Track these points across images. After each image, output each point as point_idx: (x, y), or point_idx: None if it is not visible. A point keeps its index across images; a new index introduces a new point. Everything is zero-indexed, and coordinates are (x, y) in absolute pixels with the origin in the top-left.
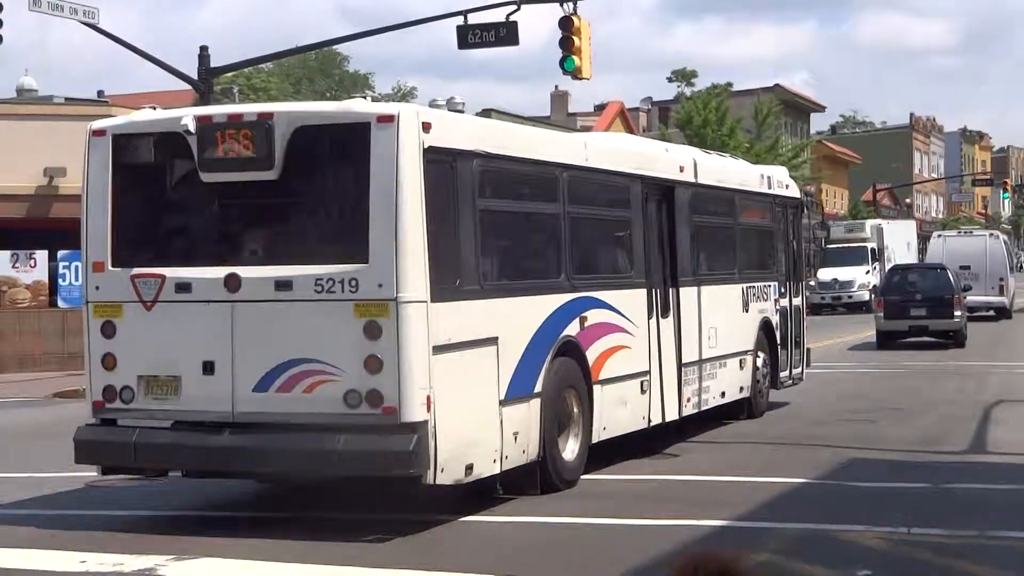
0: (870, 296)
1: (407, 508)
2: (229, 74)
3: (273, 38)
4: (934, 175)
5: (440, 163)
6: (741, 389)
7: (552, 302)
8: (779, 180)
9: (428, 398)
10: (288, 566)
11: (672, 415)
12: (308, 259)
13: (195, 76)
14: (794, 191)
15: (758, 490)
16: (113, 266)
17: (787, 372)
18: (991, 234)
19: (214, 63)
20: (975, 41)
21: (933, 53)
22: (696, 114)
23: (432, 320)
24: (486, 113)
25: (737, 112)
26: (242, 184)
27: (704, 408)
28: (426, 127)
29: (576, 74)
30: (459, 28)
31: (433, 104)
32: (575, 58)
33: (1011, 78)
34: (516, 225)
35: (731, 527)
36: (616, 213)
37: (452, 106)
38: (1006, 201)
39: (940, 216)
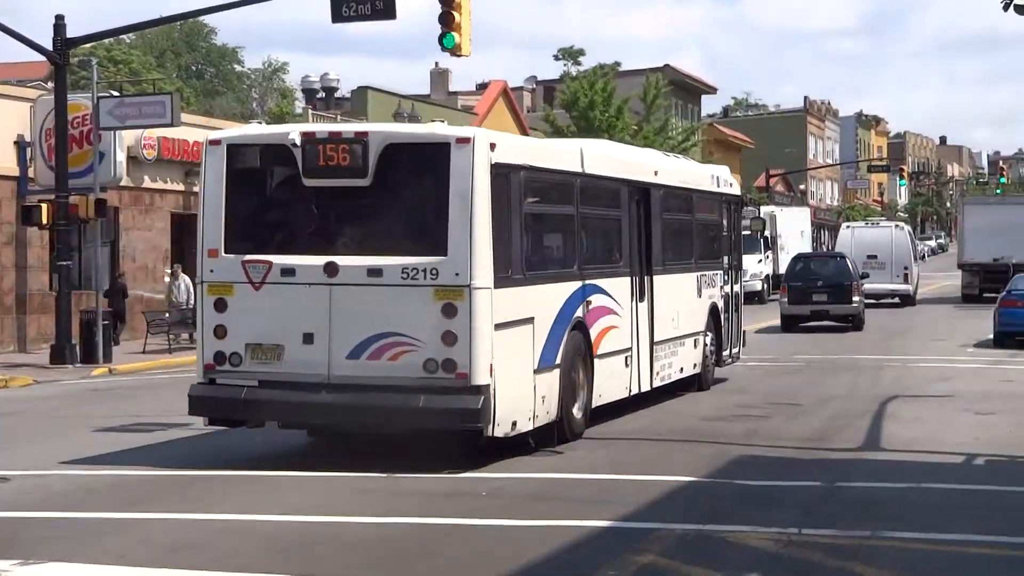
0: (762, 286)
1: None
2: (87, 45)
3: (136, 8)
4: (829, 161)
5: (500, 176)
6: (695, 366)
7: (568, 288)
8: (724, 179)
9: (491, 366)
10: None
11: (646, 387)
12: (396, 251)
13: (50, 47)
14: (736, 189)
15: (645, 489)
16: (226, 252)
17: (728, 351)
18: (897, 225)
19: (71, 33)
20: (875, 23)
21: (831, 35)
22: (582, 95)
23: (494, 303)
24: (362, 91)
25: (625, 92)
26: (339, 189)
27: (668, 381)
28: (492, 147)
29: (456, 51)
30: (333, 0)
31: (305, 81)
32: (455, 34)
33: (910, 62)
34: (546, 224)
35: (615, 528)
36: (611, 213)
37: (326, 83)
38: (902, 188)
39: (835, 203)
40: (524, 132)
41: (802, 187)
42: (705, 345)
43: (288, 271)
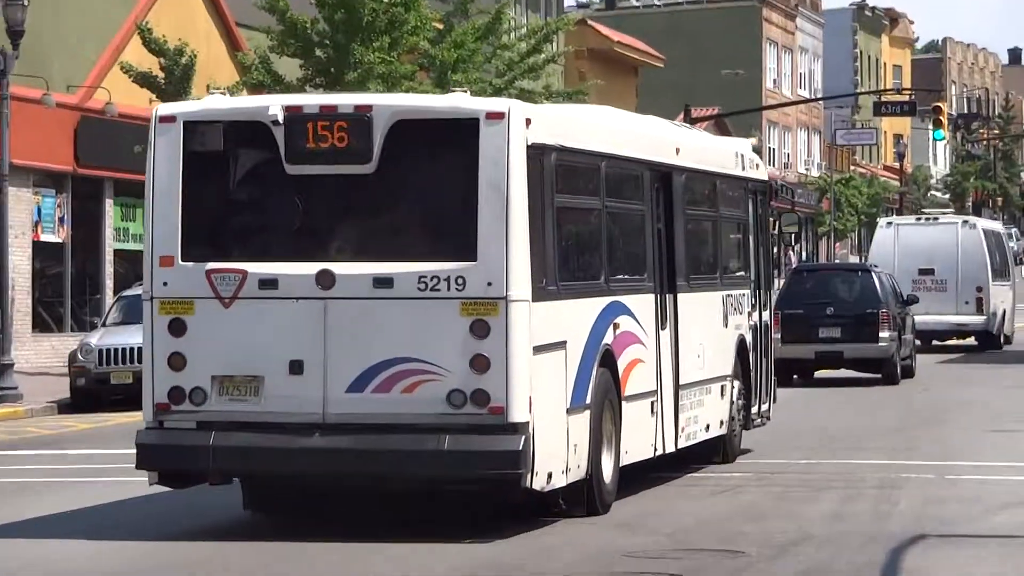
0: None
1: None
2: None
3: None
4: (803, 92)
5: (534, 160)
6: (721, 423)
7: (597, 306)
8: (749, 158)
9: (530, 399)
10: None
11: (671, 445)
12: (409, 256)
13: None
14: (763, 172)
15: None
16: (184, 260)
17: (756, 407)
18: (965, 222)
19: None
20: None
21: None
22: None
23: (532, 320)
24: None
25: None
26: (333, 177)
27: (693, 441)
28: (527, 123)
29: None
30: None
31: None
32: None
33: None
34: (576, 222)
35: None
36: (635, 207)
37: None
38: (940, 145)
39: (815, 172)
40: (231, 38)
41: (753, 140)
42: (732, 395)
43: (269, 282)
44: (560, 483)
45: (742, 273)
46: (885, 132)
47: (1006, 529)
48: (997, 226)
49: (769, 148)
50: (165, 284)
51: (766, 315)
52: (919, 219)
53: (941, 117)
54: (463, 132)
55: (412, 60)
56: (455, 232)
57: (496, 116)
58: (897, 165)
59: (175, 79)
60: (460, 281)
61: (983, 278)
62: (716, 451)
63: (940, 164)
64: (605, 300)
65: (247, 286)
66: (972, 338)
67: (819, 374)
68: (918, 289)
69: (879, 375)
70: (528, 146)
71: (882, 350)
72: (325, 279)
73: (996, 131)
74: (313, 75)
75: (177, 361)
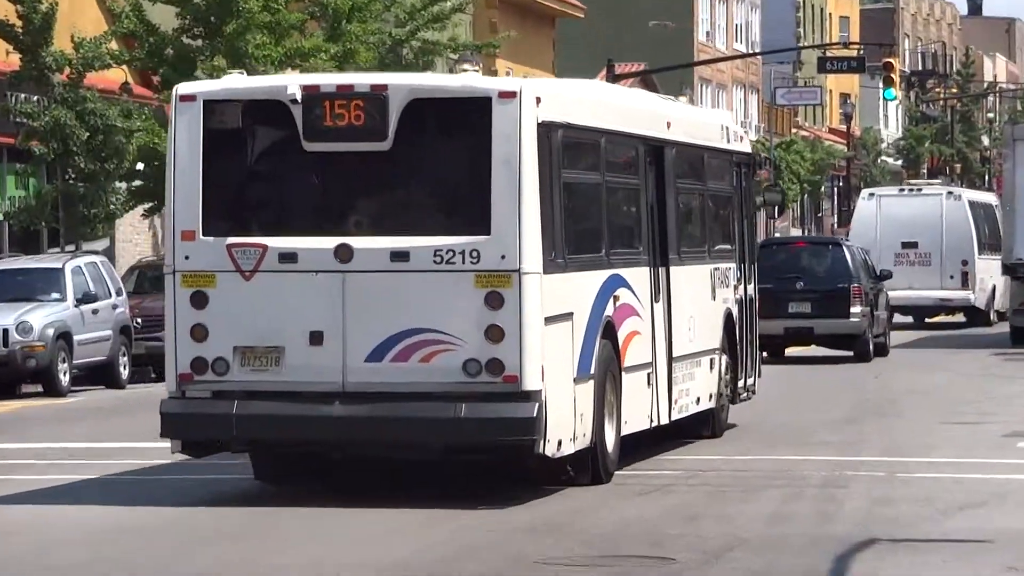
0: None
1: None
2: None
3: None
4: (739, 47)
5: (543, 137)
6: (710, 397)
7: (599, 278)
8: (733, 131)
9: (542, 368)
10: None
11: (665, 418)
12: (425, 230)
13: None
14: (746, 144)
15: None
16: (205, 235)
17: (742, 380)
18: (950, 192)
19: None
20: None
21: None
22: None
23: (543, 291)
24: None
25: None
26: (350, 154)
27: (685, 414)
28: (538, 101)
29: None
30: None
31: None
32: None
33: None
34: (578, 196)
35: None
36: (631, 181)
37: None
38: (891, 106)
39: (752, 135)
40: None
41: (683, 97)
42: (721, 369)
43: (288, 256)
44: (568, 450)
45: (728, 246)
46: (831, 91)
47: (961, 533)
48: (990, 197)
49: (704, 106)
50: (187, 258)
51: (751, 288)
52: (902, 190)
53: (892, 74)
54: (476, 110)
55: (301, 9)
56: (469, 207)
57: (508, 95)
58: (844, 128)
59: (34, 29)
60: (475, 254)
61: (968, 251)
62: (705, 424)
63: (892, 127)
64: (606, 273)
65: (267, 260)
66: (961, 314)
67: (790, 351)
68: (901, 263)
69: (851, 352)
70: (538, 124)
71: (853, 326)
72: (343, 253)
73: (954, 90)
74: (191, 24)
75: (199, 332)
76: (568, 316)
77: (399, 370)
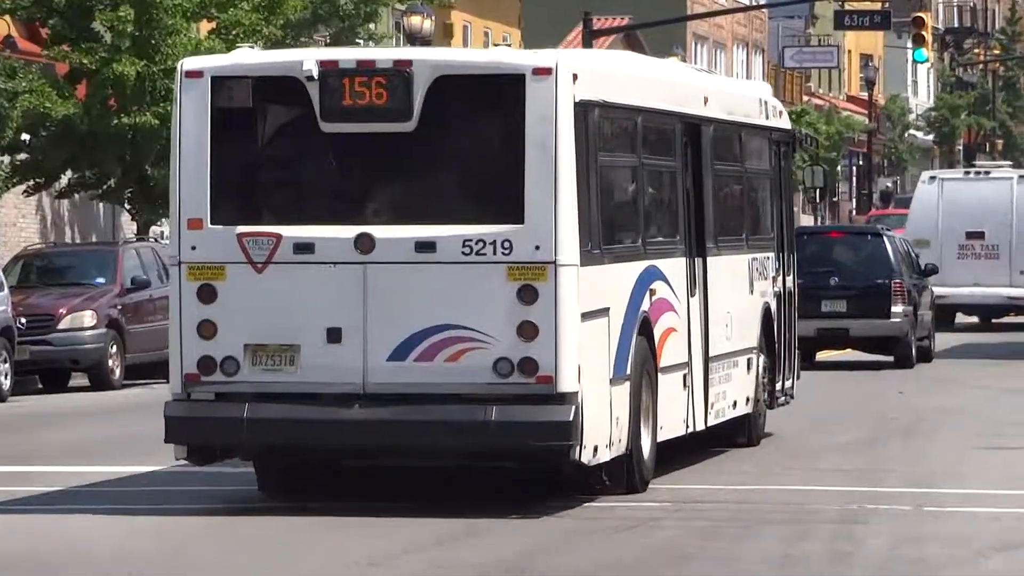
0: None
1: None
2: None
3: None
4: None
5: (579, 117)
6: (747, 401)
7: (635, 271)
8: (773, 105)
9: (579, 368)
10: None
11: (701, 423)
12: (452, 218)
13: None
14: (786, 120)
15: None
16: (213, 223)
17: (780, 383)
18: (1022, 176)
19: None
20: None
21: None
22: None
23: (580, 285)
24: None
25: None
26: (371, 136)
27: (721, 419)
28: (574, 78)
29: None
30: None
31: None
32: None
33: None
34: (615, 181)
35: None
36: (667, 163)
37: None
38: (922, 68)
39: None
40: None
41: (674, 57)
42: (759, 370)
43: (305, 247)
44: (604, 457)
45: (767, 234)
46: (850, 52)
47: None
48: None
49: (699, 66)
50: (194, 248)
51: (790, 281)
52: (967, 173)
53: (923, 32)
54: (508, 88)
55: None
56: (501, 193)
57: (543, 72)
58: (865, 95)
59: None
60: (507, 245)
61: None
62: (741, 431)
63: (922, 95)
64: (643, 264)
65: (281, 250)
66: None
67: (822, 355)
68: (965, 256)
69: (891, 357)
70: (575, 103)
71: (894, 327)
72: (364, 243)
73: (996, 51)
74: None
75: (207, 329)
76: (604, 312)
77: (424, 370)
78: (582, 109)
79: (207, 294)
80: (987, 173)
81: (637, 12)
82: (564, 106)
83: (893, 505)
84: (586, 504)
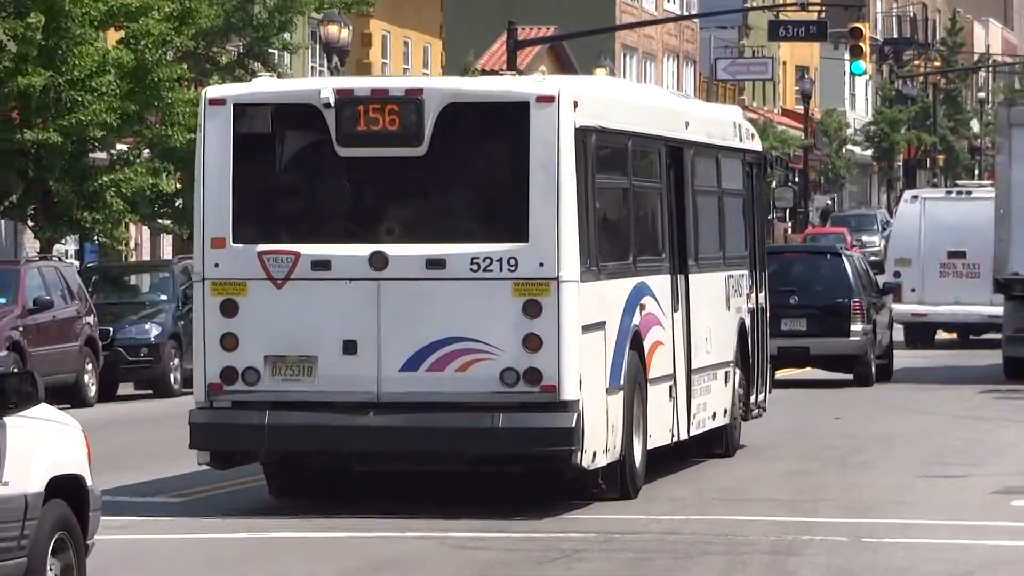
0: None
1: None
2: None
3: None
4: (671, 8)
5: (580, 142)
6: (725, 412)
7: (627, 287)
8: (745, 128)
9: (580, 378)
10: None
11: (684, 433)
12: (461, 237)
13: None
14: (757, 143)
15: None
16: (235, 242)
17: (754, 396)
18: None
19: None
20: None
21: None
22: None
23: (580, 300)
24: None
25: None
26: (384, 160)
27: (702, 429)
28: (575, 105)
29: None
30: None
31: None
32: None
33: None
34: (608, 202)
35: None
36: (653, 185)
37: None
38: (858, 81)
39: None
40: None
41: (602, 70)
42: (735, 382)
43: (322, 264)
44: (601, 463)
45: (742, 252)
46: (785, 64)
47: None
48: None
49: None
50: (216, 265)
51: (762, 297)
52: (949, 193)
53: (861, 43)
54: (514, 115)
55: None
56: (507, 214)
57: (547, 99)
58: (801, 109)
59: None
60: (512, 262)
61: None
62: (718, 442)
63: (860, 108)
64: (634, 281)
65: (299, 267)
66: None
67: (781, 374)
68: (947, 275)
69: (850, 375)
70: (575, 128)
71: (854, 346)
72: (378, 260)
73: (937, 63)
74: None
75: (229, 342)
76: (601, 325)
77: (435, 380)
78: (581, 134)
79: (230, 309)
80: (968, 193)
81: (563, 22)
82: (566, 132)
83: (829, 536)
84: (510, 532)
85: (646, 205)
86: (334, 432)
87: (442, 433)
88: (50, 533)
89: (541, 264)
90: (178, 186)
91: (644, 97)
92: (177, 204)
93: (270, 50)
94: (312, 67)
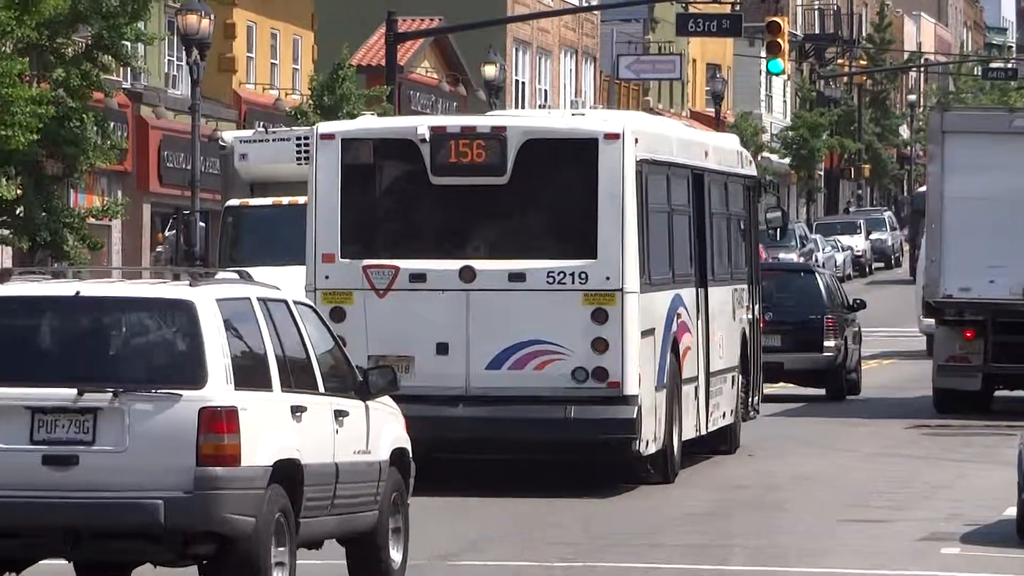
0: None
1: None
2: None
3: None
4: None
5: (638, 172)
6: (731, 413)
7: (668, 297)
8: (745, 155)
9: (639, 376)
10: None
11: (703, 428)
12: (539, 254)
13: None
14: (753, 168)
15: None
16: (343, 257)
17: (751, 399)
18: None
19: None
20: None
21: None
22: None
23: (640, 309)
24: None
25: None
26: (472, 187)
27: (715, 427)
28: (636, 141)
29: None
30: None
31: None
32: None
33: None
34: (656, 224)
35: None
36: (682, 208)
37: None
38: (775, 81)
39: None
40: None
41: (491, 66)
42: (739, 386)
43: (418, 276)
44: (652, 451)
45: (744, 268)
46: (694, 61)
47: None
48: None
49: (517, 81)
50: (327, 278)
51: (758, 309)
52: None
53: (779, 39)
54: (585, 149)
55: None
56: (578, 234)
57: (613, 136)
58: (712, 112)
59: None
60: (583, 276)
61: None
62: (724, 440)
63: (777, 111)
64: (672, 292)
65: (399, 279)
66: None
67: None
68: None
69: (822, 391)
70: (636, 161)
71: (827, 361)
72: (467, 274)
73: (862, 62)
74: None
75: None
76: (652, 331)
77: (516, 377)
78: (639, 166)
79: (338, 315)
80: None
81: (449, 13)
82: (629, 164)
83: None
84: None
85: (679, 225)
86: (429, 422)
87: (522, 423)
88: (390, 494)
89: (607, 278)
90: (19, 192)
91: (675, 130)
92: (18, 212)
93: (122, 41)
94: (169, 60)
